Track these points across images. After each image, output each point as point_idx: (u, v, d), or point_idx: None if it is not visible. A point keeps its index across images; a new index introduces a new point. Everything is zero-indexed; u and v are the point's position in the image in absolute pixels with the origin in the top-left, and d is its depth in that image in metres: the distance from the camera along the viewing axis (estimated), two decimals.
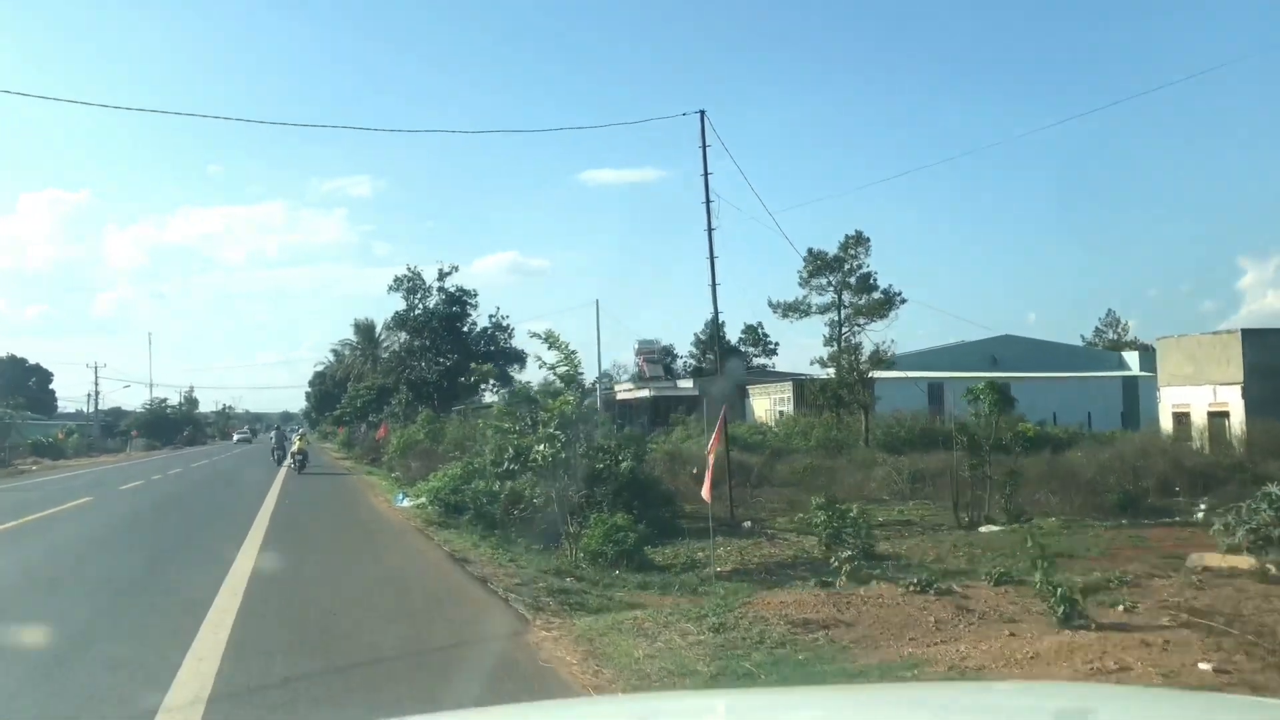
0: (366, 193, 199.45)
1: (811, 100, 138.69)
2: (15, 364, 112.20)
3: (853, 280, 43.22)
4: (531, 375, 50.50)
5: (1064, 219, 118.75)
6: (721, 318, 75.96)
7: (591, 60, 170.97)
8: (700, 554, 15.83)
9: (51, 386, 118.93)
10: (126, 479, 33.60)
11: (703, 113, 20.38)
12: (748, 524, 19.29)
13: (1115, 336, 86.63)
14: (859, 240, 42.17)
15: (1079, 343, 77.47)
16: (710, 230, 20.27)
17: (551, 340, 14.11)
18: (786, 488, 27.69)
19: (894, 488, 27.28)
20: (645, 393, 59.00)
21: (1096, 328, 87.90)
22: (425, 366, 48.85)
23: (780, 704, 3.23)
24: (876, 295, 43.02)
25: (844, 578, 12.37)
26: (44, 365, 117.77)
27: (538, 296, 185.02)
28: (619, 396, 60.87)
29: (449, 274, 49.48)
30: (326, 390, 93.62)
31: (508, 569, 11.11)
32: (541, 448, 13.21)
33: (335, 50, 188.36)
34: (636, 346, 66.64)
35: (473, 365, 14.04)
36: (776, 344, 75.17)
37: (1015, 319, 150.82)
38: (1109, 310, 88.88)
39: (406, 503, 18.30)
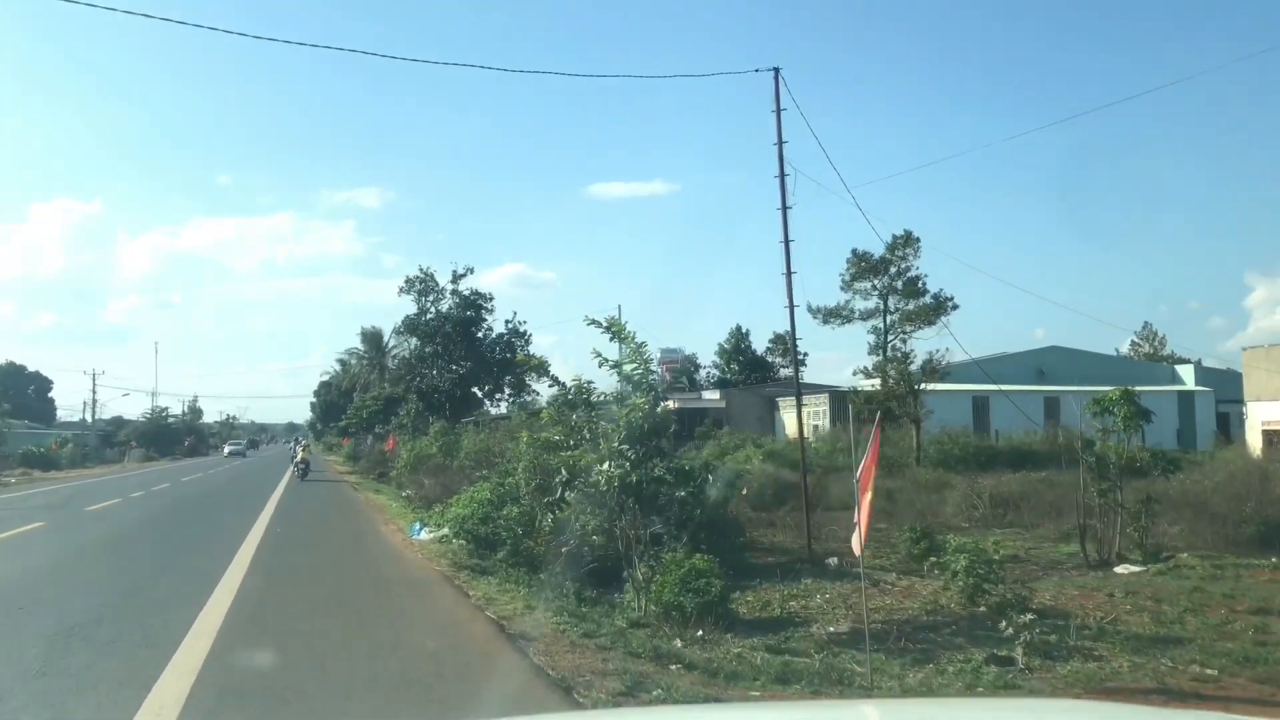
0: (376, 204, 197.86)
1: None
2: (13, 371, 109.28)
3: (899, 284, 39.87)
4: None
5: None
6: (745, 327, 73.15)
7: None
8: (794, 603, 12.61)
9: (51, 395, 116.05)
10: (102, 497, 29.60)
11: (776, 71, 17.19)
12: (833, 560, 16.02)
13: (1151, 350, 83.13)
14: (908, 240, 38.75)
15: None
16: (785, 209, 17.05)
17: (616, 330, 10.92)
18: (844, 511, 24.51)
19: (973, 513, 24.03)
20: (669, 404, 55.71)
21: (1132, 341, 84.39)
22: (437, 374, 45.58)
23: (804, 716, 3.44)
24: (925, 300, 39.64)
25: (1021, 651, 9.16)
26: (43, 373, 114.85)
27: (545, 309, 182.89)
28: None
29: (463, 276, 46.31)
30: (332, 400, 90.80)
31: (588, 655, 7.55)
32: (606, 467, 10.01)
33: (347, 60, 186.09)
34: (658, 356, 63.32)
35: (520, 356, 10.67)
36: (806, 354, 71.97)
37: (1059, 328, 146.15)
38: (1145, 323, 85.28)
39: (425, 534, 14.96)
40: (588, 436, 11.16)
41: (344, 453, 68.91)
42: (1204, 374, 53.98)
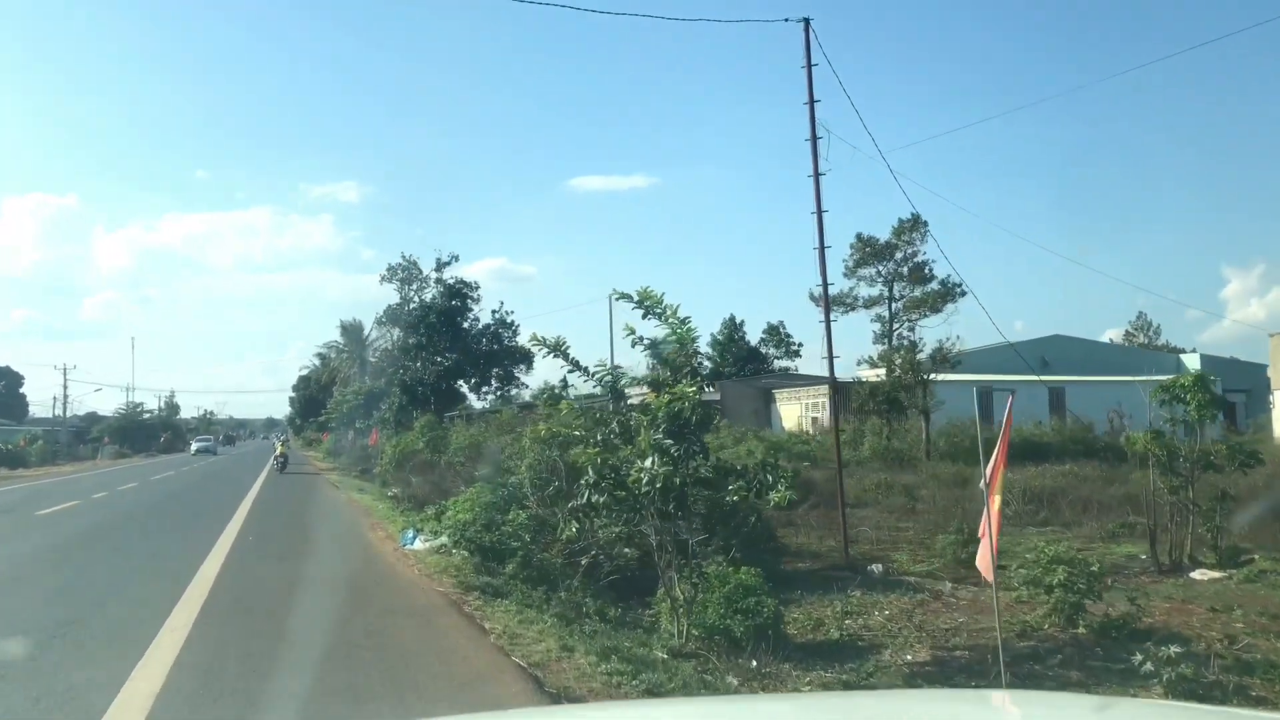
0: (354, 198, 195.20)
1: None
2: None
3: (905, 270, 38.32)
4: (541, 378, 45.46)
5: None
6: (740, 317, 71.21)
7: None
8: (850, 622, 10.89)
9: (22, 390, 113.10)
10: (61, 498, 26.50)
11: (807, 21, 15.43)
12: (876, 567, 14.32)
13: (1146, 341, 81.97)
14: (915, 225, 37.23)
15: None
16: (817, 174, 15.31)
17: (649, 303, 9.13)
18: (863, 509, 22.87)
19: (1003, 510, 22.38)
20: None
21: (1127, 331, 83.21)
22: (421, 366, 43.52)
23: (761, 712, 3.25)
24: (932, 286, 38.11)
25: (1164, 692, 7.46)
26: (14, 368, 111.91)
27: (526, 303, 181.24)
28: (631, 400, 55.75)
29: (447, 264, 44.23)
30: (311, 395, 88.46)
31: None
32: (650, 464, 8.23)
33: (325, 54, 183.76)
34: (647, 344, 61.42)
35: (532, 334, 8.72)
36: (801, 344, 70.20)
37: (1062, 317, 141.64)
38: (1140, 313, 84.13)
39: (419, 543, 13.04)
40: (617, 430, 9.34)
41: (324, 448, 66.86)
42: (1208, 362, 52.75)
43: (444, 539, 12.31)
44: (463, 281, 44.56)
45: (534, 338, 9.53)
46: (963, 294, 37.21)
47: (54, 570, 13.47)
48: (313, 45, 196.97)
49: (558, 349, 9.66)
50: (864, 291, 39.25)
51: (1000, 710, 3.06)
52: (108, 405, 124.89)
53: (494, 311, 45.49)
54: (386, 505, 20.84)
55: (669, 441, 8.55)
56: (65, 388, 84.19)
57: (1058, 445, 36.51)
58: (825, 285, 15.14)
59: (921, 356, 34.91)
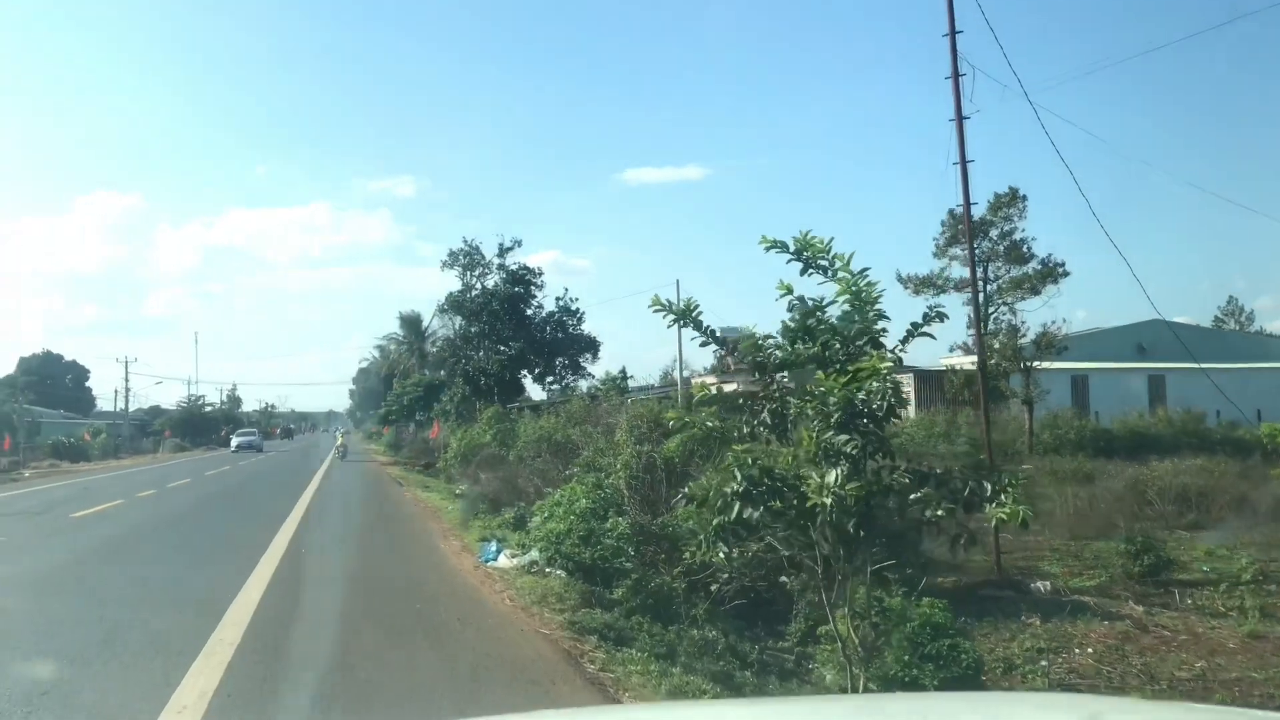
0: (410, 193, 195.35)
1: None
2: (50, 360, 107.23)
3: (1002, 248, 35.45)
4: (604, 366, 43.41)
5: None
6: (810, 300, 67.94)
7: None
8: (1045, 662, 8.61)
9: (88, 384, 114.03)
10: (106, 496, 24.53)
11: None
12: (1042, 585, 11.94)
13: (1237, 327, 77.61)
14: (1012, 199, 34.39)
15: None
16: (960, 118, 12.96)
17: (810, 252, 6.93)
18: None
19: (1141, 511, 19.84)
20: (730, 387, 51.52)
21: (1216, 316, 78.88)
22: (484, 356, 41.66)
23: (794, 714, 3.15)
24: (1032, 266, 35.20)
25: None
26: (80, 361, 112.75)
27: (580, 295, 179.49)
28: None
29: (510, 249, 42.20)
30: (371, 387, 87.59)
31: None
32: (835, 474, 6.06)
33: (381, 51, 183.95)
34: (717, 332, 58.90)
35: (654, 298, 6.52)
36: (885, 329, 66.99)
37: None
38: (1230, 298, 79.79)
39: (503, 559, 10.90)
40: (768, 421, 7.14)
41: (384, 441, 65.59)
42: None
43: (534, 554, 10.21)
44: (526, 267, 42.65)
45: (655, 301, 7.32)
46: (1065, 274, 34.33)
47: (49, 602, 10.52)
48: (370, 42, 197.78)
49: (686, 316, 7.48)
50: (956, 272, 36.45)
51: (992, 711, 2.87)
52: (171, 398, 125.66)
53: (558, 298, 43.56)
54: (456, 506, 18.80)
55: (845, 438, 6.33)
56: (126, 380, 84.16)
57: (1168, 437, 33.71)
58: (972, 250, 12.88)
59: (1023, 341, 32.18)
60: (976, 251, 36.31)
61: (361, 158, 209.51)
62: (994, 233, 35.68)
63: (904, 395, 6.78)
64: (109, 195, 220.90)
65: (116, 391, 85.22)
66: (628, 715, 3.67)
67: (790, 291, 7.09)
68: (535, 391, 44.56)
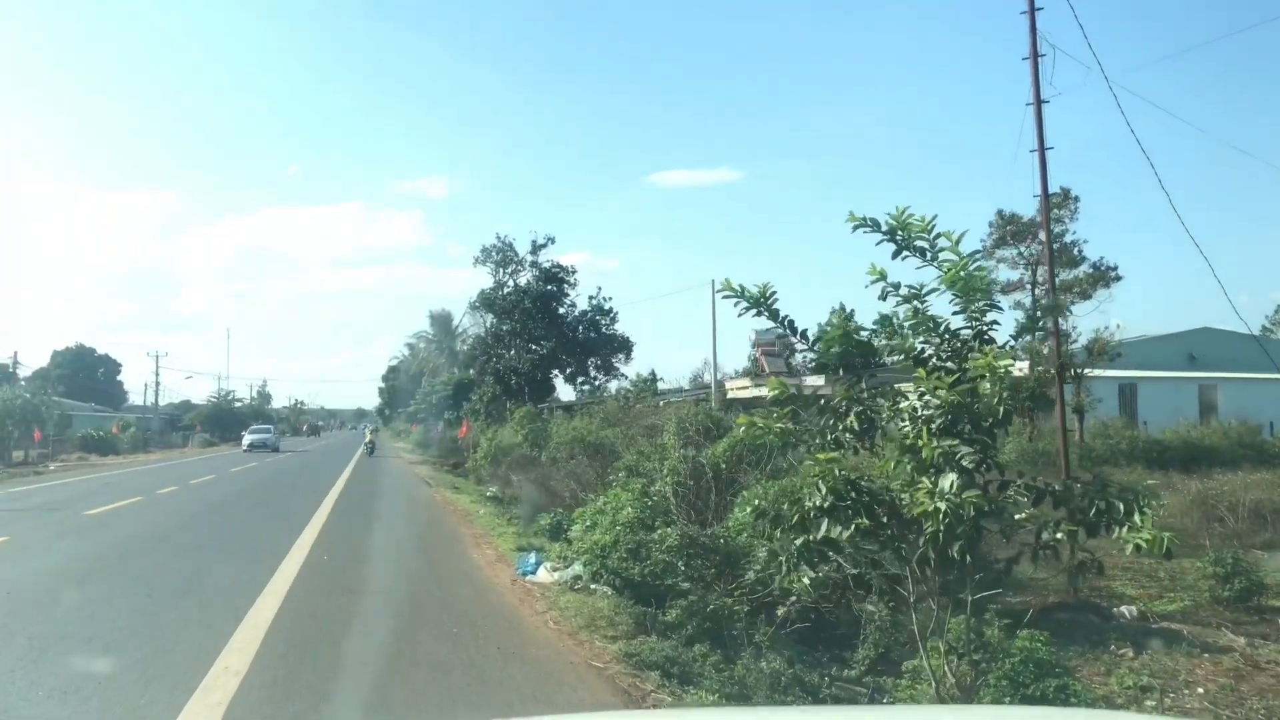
0: (442, 194, 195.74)
1: None
2: (83, 354, 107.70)
3: (1053, 250, 34.25)
4: (634, 368, 42.54)
5: None
6: (850, 307, 66.75)
7: None
8: (1151, 702, 7.62)
9: (120, 378, 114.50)
10: (126, 493, 23.63)
11: None
12: (1128, 610, 10.93)
13: None
14: (1064, 199, 33.21)
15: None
16: (1039, 102, 11.99)
17: (907, 232, 6.02)
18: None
19: (1213, 528, 18.68)
20: (765, 390, 50.37)
21: (1264, 326, 76.75)
22: (515, 355, 40.87)
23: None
24: (1083, 269, 34.06)
25: None
26: (112, 355, 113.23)
27: (609, 297, 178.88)
28: (730, 394, 52.42)
29: (543, 246, 41.39)
30: (400, 385, 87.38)
31: None
32: (949, 483, 5.18)
33: (413, 53, 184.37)
34: (753, 338, 57.60)
35: (725, 281, 5.55)
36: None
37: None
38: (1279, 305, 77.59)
39: (543, 572, 9.98)
40: (855, 426, 6.21)
41: (412, 439, 65.15)
42: None
43: (577, 568, 9.31)
44: (559, 265, 41.81)
45: (727, 285, 6.42)
46: (1118, 278, 33.17)
47: (44, 611, 9.53)
48: (402, 44, 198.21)
49: (761, 302, 6.56)
50: (1004, 275, 35.33)
51: None
52: (201, 394, 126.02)
53: (591, 297, 42.69)
54: (488, 510, 17.93)
55: (958, 444, 5.42)
56: (157, 375, 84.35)
57: (1224, 449, 32.37)
58: (1049, 230, 11.86)
59: (1075, 347, 30.98)
60: (1026, 254, 35.31)
61: (394, 158, 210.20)
62: (1043, 234, 34.53)
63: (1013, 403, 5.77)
64: (147, 193, 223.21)
65: (147, 386, 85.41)
66: None
67: (883, 277, 6.17)
68: (565, 392, 43.81)
